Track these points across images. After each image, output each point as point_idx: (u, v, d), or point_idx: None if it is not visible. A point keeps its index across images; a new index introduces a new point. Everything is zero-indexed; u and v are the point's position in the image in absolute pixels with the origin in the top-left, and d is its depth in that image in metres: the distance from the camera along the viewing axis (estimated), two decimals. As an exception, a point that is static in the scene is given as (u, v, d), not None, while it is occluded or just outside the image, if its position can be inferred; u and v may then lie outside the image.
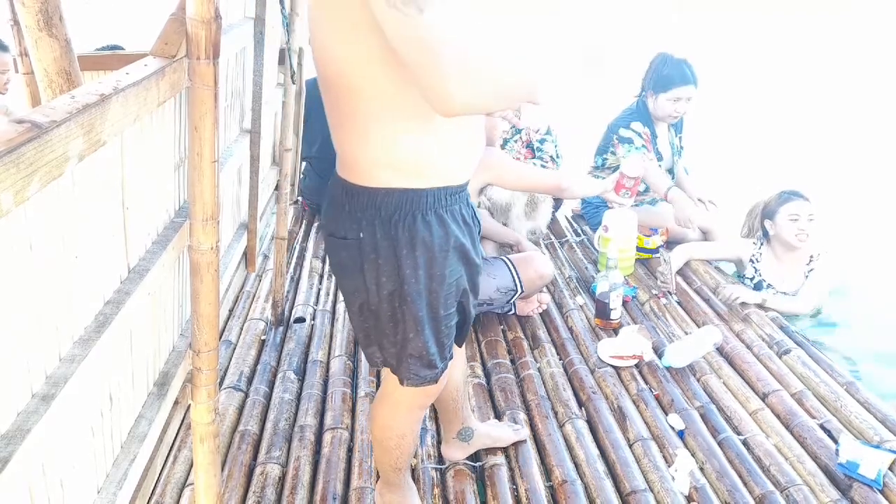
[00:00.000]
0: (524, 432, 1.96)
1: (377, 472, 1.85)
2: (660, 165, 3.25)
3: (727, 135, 5.75)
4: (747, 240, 3.01)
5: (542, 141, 3.57)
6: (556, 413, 2.10)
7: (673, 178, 3.34)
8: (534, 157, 3.60)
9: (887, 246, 3.67)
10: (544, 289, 2.84)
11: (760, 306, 2.67)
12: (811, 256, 2.85)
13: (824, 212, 3.09)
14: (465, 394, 1.82)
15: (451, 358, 1.44)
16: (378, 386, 2.22)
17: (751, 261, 2.93)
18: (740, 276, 3.01)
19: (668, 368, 2.30)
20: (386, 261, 1.26)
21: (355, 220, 1.26)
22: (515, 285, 2.48)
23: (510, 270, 2.48)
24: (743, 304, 2.66)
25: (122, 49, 3.40)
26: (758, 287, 2.89)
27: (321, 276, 3.02)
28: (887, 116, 6.61)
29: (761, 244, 2.93)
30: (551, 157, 3.65)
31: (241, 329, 2.54)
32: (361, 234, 1.26)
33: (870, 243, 3.69)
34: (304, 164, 3.64)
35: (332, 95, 1.23)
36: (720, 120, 5.92)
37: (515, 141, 3.57)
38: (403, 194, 1.24)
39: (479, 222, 1.43)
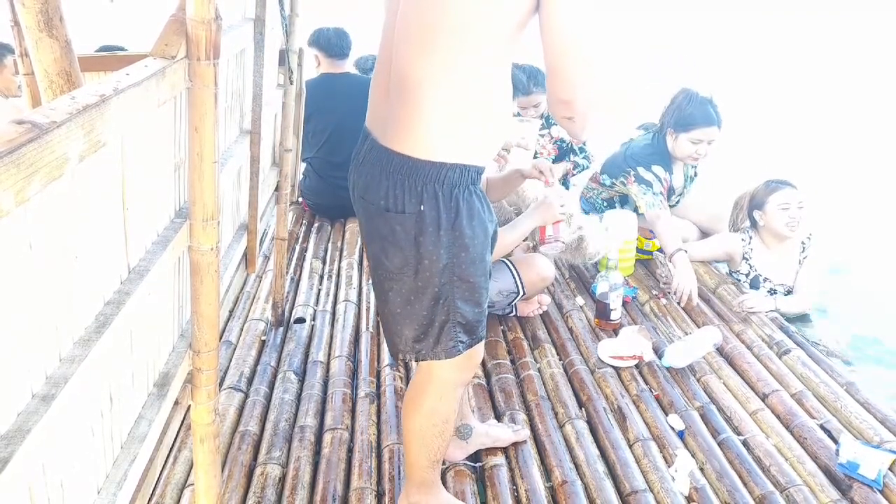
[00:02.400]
0: (524, 433, 1.96)
1: (377, 476, 1.85)
2: (671, 197, 3.16)
3: (728, 133, 5.75)
4: (734, 235, 3.00)
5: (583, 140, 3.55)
6: (556, 413, 2.10)
7: (679, 202, 3.26)
8: (559, 155, 3.58)
9: (884, 241, 3.72)
10: (544, 290, 2.84)
11: (773, 311, 2.68)
12: (802, 243, 2.88)
13: (815, 200, 3.10)
14: (466, 390, 1.83)
15: (485, 335, 1.50)
16: (378, 386, 2.22)
17: (744, 258, 2.93)
18: (732, 273, 3.00)
19: (668, 369, 2.30)
20: (446, 232, 1.33)
21: (415, 193, 1.32)
22: (517, 287, 2.48)
23: (512, 273, 2.48)
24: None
25: (125, 49, 3.39)
26: (754, 282, 2.90)
27: (321, 277, 3.02)
28: (886, 115, 6.62)
29: (750, 238, 2.93)
30: (586, 157, 3.64)
31: (242, 330, 2.54)
32: (422, 207, 1.32)
33: (866, 238, 3.74)
34: (303, 164, 3.65)
35: (418, 55, 1.29)
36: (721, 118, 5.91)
37: (542, 135, 3.53)
38: (463, 169, 1.33)
39: None
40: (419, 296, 1.39)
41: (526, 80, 3.26)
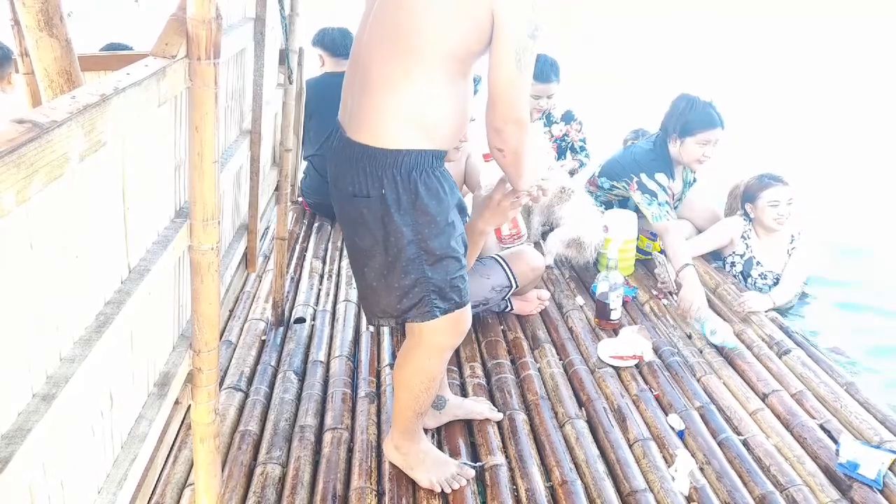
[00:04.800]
0: (498, 414, 2.05)
1: (377, 475, 1.85)
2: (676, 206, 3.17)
3: (729, 132, 5.77)
4: (735, 218, 3.05)
5: (583, 140, 3.55)
6: (556, 413, 2.10)
7: (679, 205, 3.27)
8: (558, 153, 3.59)
9: (881, 235, 3.77)
10: (543, 285, 2.84)
11: (773, 309, 2.69)
12: (792, 236, 2.96)
13: (807, 197, 3.16)
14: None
15: (468, 301, 1.63)
16: (378, 386, 2.22)
17: (743, 237, 2.99)
18: (726, 257, 3.03)
19: (669, 369, 2.30)
20: (407, 211, 1.48)
21: (377, 178, 1.47)
22: (510, 281, 2.49)
23: (503, 267, 2.49)
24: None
25: (130, 49, 3.37)
26: (748, 264, 2.96)
27: (321, 277, 3.02)
28: (886, 115, 6.63)
29: (750, 220, 3.00)
30: (586, 155, 3.65)
31: (242, 329, 2.54)
32: (384, 191, 1.47)
33: (863, 232, 3.80)
34: (304, 163, 3.64)
35: (381, 60, 1.44)
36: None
37: (543, 134, 3.54)
38: (419, 154, 1.47)
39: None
40: (391, 269, 1.53)
41: (548, 69, 3.30)
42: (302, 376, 2.29)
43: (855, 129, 6.31)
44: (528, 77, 1.44)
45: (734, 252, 3.01)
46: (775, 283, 2.91)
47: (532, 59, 1.43)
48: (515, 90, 1.43)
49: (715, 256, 3.12)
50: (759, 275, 2.95)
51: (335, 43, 3.48)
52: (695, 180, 3.27)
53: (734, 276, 2.98)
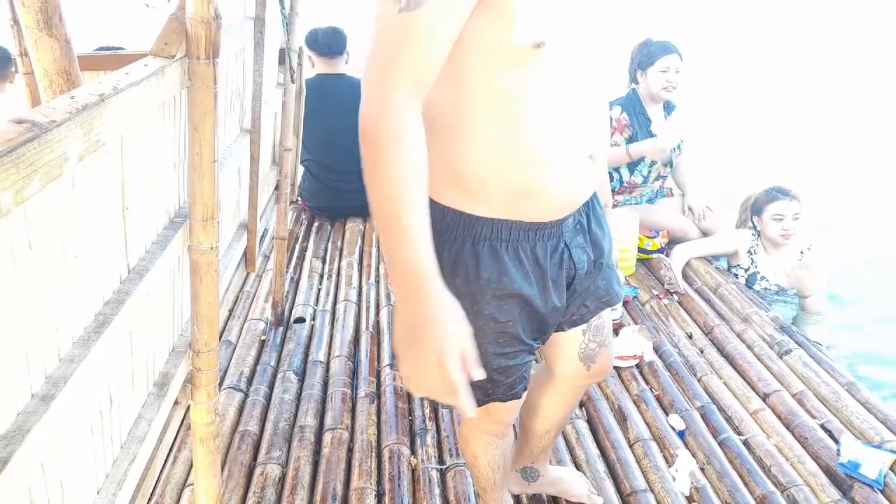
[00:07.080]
0: (599, 500, 1.75)
1: (377, 476, 1.85)
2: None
3: (728, 132, 5.77)
4: (744, 231, 3.05)
5: None
6: (556, 413, 2.10)
7: (671, 170, 3.33)
8: None
9: (884, 239, 3.76)
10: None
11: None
12: (801, 252, 2.94)
13: (817, 208, 3.16)
14: (554, 439, 1.66)
15: (505, 400, 1.32)
16: (378, 386, 2.22)
17: (749, 252, 2.98)
18: (731, 267, 3.03)
19: (670, 369, 2.30)
20: (442, 267, 1.05)
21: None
22: None
23: None
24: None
25: (123, 49, 3.38)
26: (751, 278, 2.95)
27: (321, 277, 3.02)
28: (887, 116, 6.63)
29: (758, 234, 2.98)
30: None
31: (241, 329, 2.54)
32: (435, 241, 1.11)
33: (868, 237, 3.79)
34: (301, 167, 3.61)
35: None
36: (721, 118, 5.94)
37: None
38: (458, 216, 1.13)
39: (574, 265, 1.22)
40: None
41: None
42: (302, 376, 2.29)
43: (854, 130, 6.31)
44: (411, 23, 0.87)
45: (739, 265, 3.00)
46: (777, 292, 2.91)
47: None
48: (378, 44, 0.90)
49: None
50: (764, 289, 2.93)
51: (319, 42, 3.39)
52: (682, 141, 3.32)
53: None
